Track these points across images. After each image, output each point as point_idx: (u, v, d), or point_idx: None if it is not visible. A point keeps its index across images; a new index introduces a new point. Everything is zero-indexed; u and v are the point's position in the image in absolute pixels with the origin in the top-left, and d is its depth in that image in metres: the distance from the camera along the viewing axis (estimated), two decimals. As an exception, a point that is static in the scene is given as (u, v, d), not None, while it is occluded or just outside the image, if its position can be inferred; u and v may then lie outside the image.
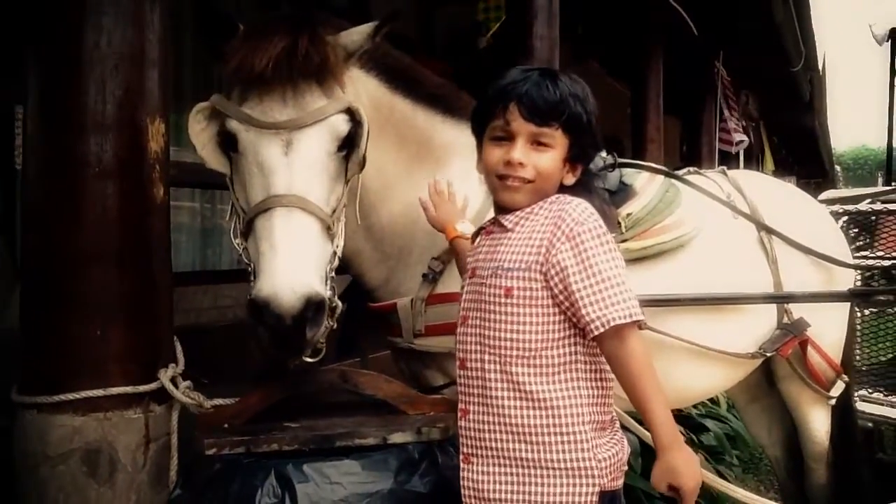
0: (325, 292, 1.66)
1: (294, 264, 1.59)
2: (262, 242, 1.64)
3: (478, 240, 1.64)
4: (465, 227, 1.93)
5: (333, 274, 1.74)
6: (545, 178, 1.52)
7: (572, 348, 1.49)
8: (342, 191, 1.78)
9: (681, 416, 3.87)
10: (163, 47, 2.02)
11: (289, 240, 1.61)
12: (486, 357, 1.50)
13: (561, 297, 1.46)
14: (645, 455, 3.07)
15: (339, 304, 1.77)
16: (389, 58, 2.05)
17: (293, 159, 1.68)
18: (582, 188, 1.58)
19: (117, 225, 1.92)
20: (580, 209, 1.48)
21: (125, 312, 1.92)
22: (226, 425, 1.81)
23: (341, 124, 1.74)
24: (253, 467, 1.65)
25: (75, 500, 1.87)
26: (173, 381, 1.94)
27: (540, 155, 1.51)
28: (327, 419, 1.84)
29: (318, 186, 1.70)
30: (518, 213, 1.54)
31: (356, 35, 1.80)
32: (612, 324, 1.42)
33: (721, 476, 3.60)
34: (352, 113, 1.75)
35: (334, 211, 1.74)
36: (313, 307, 1.60)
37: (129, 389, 1.90)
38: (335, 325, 1.77)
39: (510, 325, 1.48)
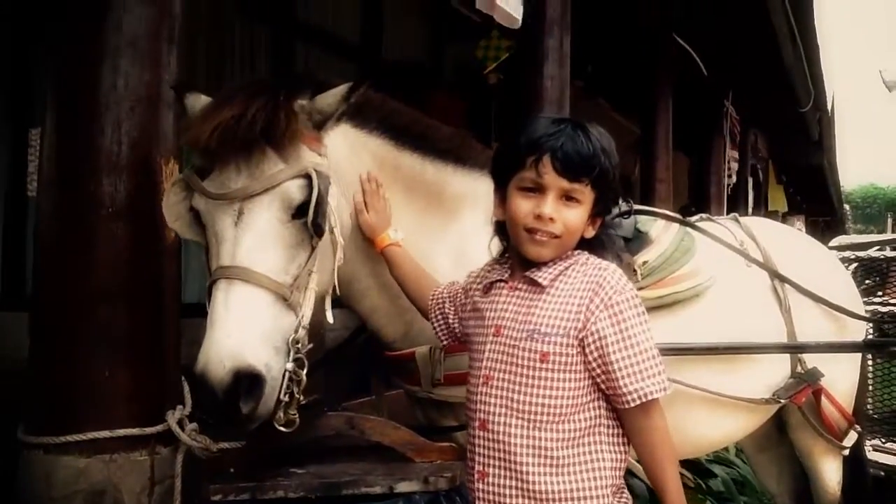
0: (269, 364, 1.60)
1: (227, 338, 1.55)
2: (208, 315, 1.62)
3: (498, 294, 1.59)
4: (398, 235, 1.91)
5: (299, 346, 1.66)
6: (572, 233, 1.51)
7: (597, 412, 1.48)
8: (306, 258, 1.69)
9: (689, 462, 3.82)
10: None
11: (225, 313, 1.58)
12: (514, 421, 1.47)
13: (594, 365, 1.45)
14: (653, 502, 3.03)
15: (304, 378, 1.68)
16: (395, 115, 2.02)
17: (241, 229, 1.64)
18: (597, 241, 1.56)
19: (128, 265, 1.93)
20: (616, 276, 1.48)
21: (133, 353, 1.92)
22: (231, 470, 1.79)
23: (295, 190, 1.67)
24: (258, 515, 1.64)
25: (78, 542, 1.86)
26: (180, 423, 1.93)
27: (569, 210, 1.50)
28: (334, 465, 1.82)
29: (270, 256, 1.64)
30: (548, 269, 1.51)
31: (331, 98, 1.76)
32: (650, 397, 1.43)
33: (730, 522, 3.55)
34: (311, 178, 1.68)
35: (296, 279, 1.67)
36: (247, 381, 1.55)
37: (135, 431, 1.89)
38: (301, 398, 1.69)
39: (543, 389, 1.46)
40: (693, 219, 2.51)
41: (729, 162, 8.83)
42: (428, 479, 1.75)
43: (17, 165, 4.24)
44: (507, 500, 1.47)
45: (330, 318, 1.83)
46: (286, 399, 1.65)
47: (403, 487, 1.73)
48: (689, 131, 8.12)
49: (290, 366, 1.64)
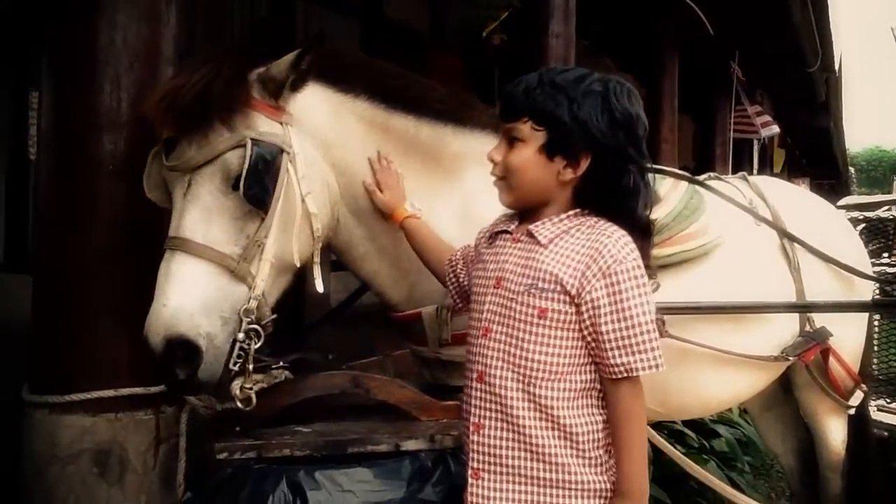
0: (212, 334, 1.64)
1: (162, 307, 1.62)
2: None
3: (502, 245, 1.56)
4: (414, 208, 1.90)
5: (252, 318, 1.68)
6: (516, 172, 1.48)
7: (591, 375, 1.46)
8: (256, 228, 1.70)
9: (693, 422, 3.84)
10: (178, 44, 2.00)
11: (164, 283, 1.64)
12: (510, 375, 1.45)
13: (586, 332, 1.42)
14: (656, 464, 3.05)
15: (251, 348, 1.70)
16: (383, 78, 1.98)
17: (187, 200, 1.69)
18: (592, 195, 1.48)
19: (129, 224, 1.90)
20: (619, 244, 1.42)
21: (136, 313, 1.90)
22: (237, 428, 1.79)
23: (234, 160, 1.67)
24: (264, 473, 1.63)
25: (85, 500, 1.86)
26: (184, 382, 1.92)
27: (511, 151, 1.49)
28: (339, 424, 1.82)
29: (213, 227, 1.68)
30: (550, 227, 1.48)
31: (282, 65, 1.74)
32: (636, 373, 1.40)
33: (733, 482, 3.57)
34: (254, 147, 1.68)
35: (245, 249, 1.68)
36: (181, 349, 1.61)
37: (140, 390, 1.89)
38: (251, 367, 1.70)
39: (540, 346, 1.43)
40: (701, 177, 2.48)
41: (754, 116, 8.76)
42: (434, 438, 1.75)
43: (17, 128, 4.20)
44: (504, 452, 1.45)
45: (320, 287, 1.82)
46: (236, 369, 1.68)
47: (409, 446, 1.73)
48: (695, 93, 8.03)
49: (240, 336, 1.66)
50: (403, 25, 5.86)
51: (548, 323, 1.43)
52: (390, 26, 5.69)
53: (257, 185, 1.67)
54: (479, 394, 1.49)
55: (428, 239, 1.88)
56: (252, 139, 1.68)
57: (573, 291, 1.41)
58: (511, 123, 1.48)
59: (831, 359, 2.39)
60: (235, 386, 1.70)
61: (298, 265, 1.78)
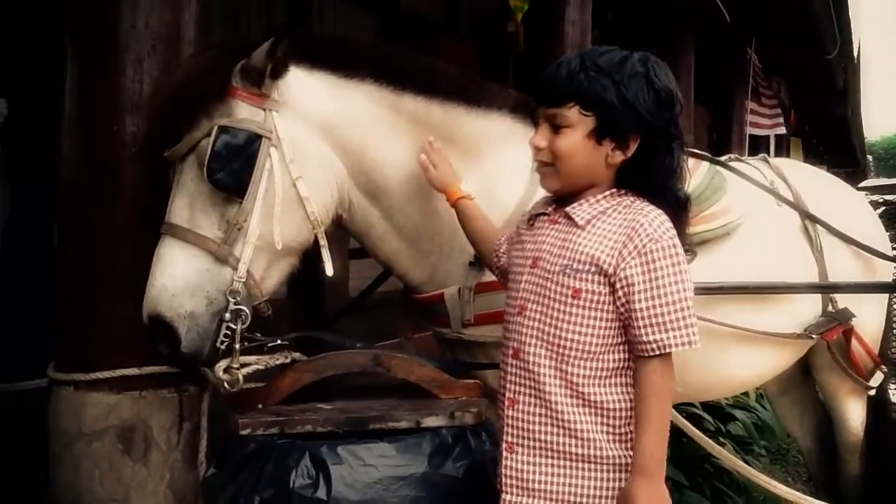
0: (196, 312, 1.73)
1: (150, 287, 1.74)
2: None
3: (541, 226, 1.57)
4: (468, 188, 1.90)
5: (237, 299, 1.74)
6: (565, 159, 1.48)
7: (625, 354, 1.46)
8: (235, 212, 1.75)
9: (709, 406, 3.84)
10: (199, 28, 2.02)
11: (153, 265, 1.75)
12: (543, 353, 1.47)
13: (622, 310, 1.43)
14: (673, 445, 3.05)
15: (238, 328, 1.76)
16: (389, 61, 1.99)
17: (175, 188, 1.79)
18: (637, 175, 1.48)
19: (152, 205, 1.92)
20: (656, 223, 1.42)
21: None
22: (259, 406, 1.81)
23: (205, 147, 1.73)
24: (287, 448, 1.65)
25: (110, 476, 1.89)
26: (206, 361, 1.94)
27: (558, 137, 1.48)
28: (360, 401, 1.84)
29: (195, 212, 1.76)
30: (588, 207, 1.49)
31: (259, 54, 1.76)
32: (668, 349, 1.40)
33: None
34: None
35: (226, 233, 1.75)
36: (160, 325, 1.73)
37: (163, 369, 1.91)
38: (236, 345, 1.76)
39: (574, 325, 1.45)
40: (722, 158, 2.47)
41: (764, 108, 8.67)
42: (454, 415, 1.75)
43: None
44: (536, 427, 1.48)
45: (329, 270, 1.87)
46: (223, 347, 1.75)
47: (430, 422, 1.73)
48: (711, 81, 7.97)
49: (227, 315, 1.74)
50: (418, 16, 5.86)
51: (582, 303, 1.44)
52: (405, 17, 5.68)
53: (223, 171, 1.73)
54: (514, 370, 1.52)
55: (481, 225, 1.87)
56: (220, 126, 1.73)
57: (609, 270, 1.42)
58: (555, 109, 1.47)
59: (853, 339, 2.39)
60: (219, 367, 1.76)
61: (280, 247, 1.80)
